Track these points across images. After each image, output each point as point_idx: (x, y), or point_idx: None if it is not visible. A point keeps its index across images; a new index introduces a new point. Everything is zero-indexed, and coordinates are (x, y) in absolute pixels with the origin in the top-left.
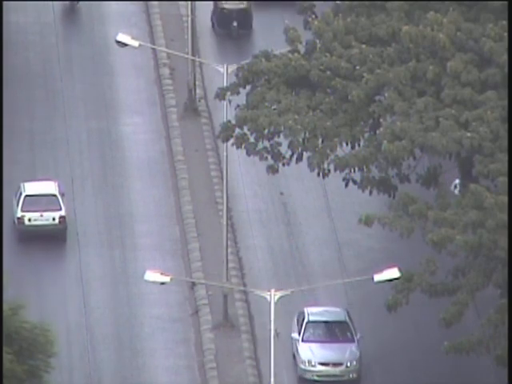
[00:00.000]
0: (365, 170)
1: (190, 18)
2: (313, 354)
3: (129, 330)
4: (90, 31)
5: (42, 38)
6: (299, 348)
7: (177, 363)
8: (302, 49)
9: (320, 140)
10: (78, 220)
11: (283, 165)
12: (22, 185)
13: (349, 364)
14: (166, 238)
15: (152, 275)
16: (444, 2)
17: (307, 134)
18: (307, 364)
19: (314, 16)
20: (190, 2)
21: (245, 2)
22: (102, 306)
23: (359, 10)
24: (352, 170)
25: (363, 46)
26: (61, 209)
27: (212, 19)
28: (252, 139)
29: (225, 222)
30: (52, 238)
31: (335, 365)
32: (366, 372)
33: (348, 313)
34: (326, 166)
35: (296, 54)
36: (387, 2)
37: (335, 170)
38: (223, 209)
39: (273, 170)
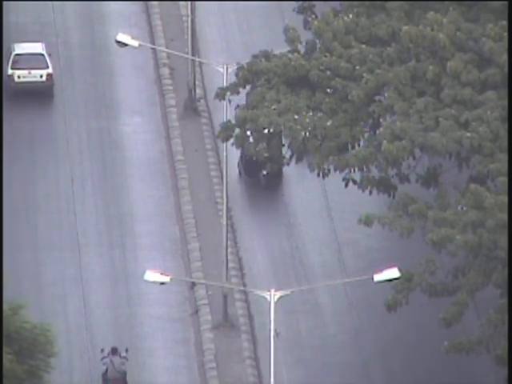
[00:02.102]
0: (365, 169)
1: (189, 18)
2: None
3: (129, 329)
4: (90, 31)
5: (42, 38)
6: None
7: (176, 363)
8: (301, 49)
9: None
10: (78, 220)
11: (283, 165)
12: (12, 45)
13: None
14: (166, 238)
15: (152, 275)
16: (444, 1)
17: (307, 134)
18: None
19: (313, 16)
20: (189, 2)
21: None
22: (102, 306)
23: (359, 9)
24: (352, 170)
25: (363, 46)
26: (48, 67)
27: (238, 166)
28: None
29: (225, 222)
30: (40, 94)
31: None
32: (366, 372)
33: None
34: (325, 166)
35: (296, 54)
36: (387, 2)
37: (335, 170)
38: (223, 209)
39: (273, 170)
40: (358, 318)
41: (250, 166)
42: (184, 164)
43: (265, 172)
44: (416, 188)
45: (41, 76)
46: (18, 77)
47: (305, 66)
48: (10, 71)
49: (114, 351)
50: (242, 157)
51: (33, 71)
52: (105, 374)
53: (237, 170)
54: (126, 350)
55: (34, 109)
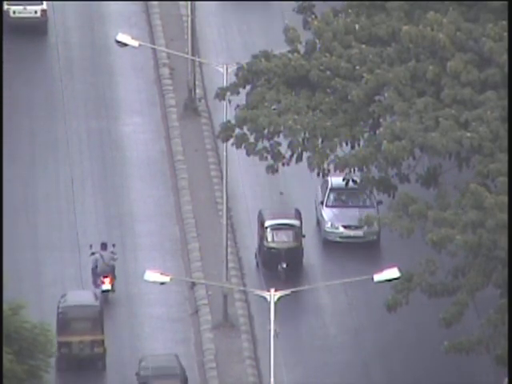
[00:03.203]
0: (365, 170)
1: (189, 18)
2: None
3: (129, 329)
4: (90, 31)
5: (42, 38)
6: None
7: None
8: (301, 49)
9: (320, 140)
10: (78, 220)
11: (283, 165)
12: None
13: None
14: (166, 238)
15: (152, 275)
16: (444, 1)
17: (307, 134)
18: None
19: (313, 16)
20: (189, 2)
21: (294, 239)
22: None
23: (359, 9)
24: (352, 170)
25: (363, 46)
26: (42, 3)
27: (256, 258)
28: (252, 139)
29: (225, 222)
30: (34, 30)
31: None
32: (366, 372)
33: None
34: (325, 165)
35: (296, 54)
36: (387, 2)
37: (335, 170)
38: (223, 209)
39: (272, 169)
40: (357, 318)
41: (268, 258)
42: (184, 164)
43: (284, 265)
44: (416, 188)
45: (35, 12)
46: (14, 12)
47: (305, 66)
48: (5, 7)
49: (104, 246)
50: (259, 248)
51: (28, 7)
52: (94, 268)
53: (254, 262)
54: (113, 246)
55: (34, 109)
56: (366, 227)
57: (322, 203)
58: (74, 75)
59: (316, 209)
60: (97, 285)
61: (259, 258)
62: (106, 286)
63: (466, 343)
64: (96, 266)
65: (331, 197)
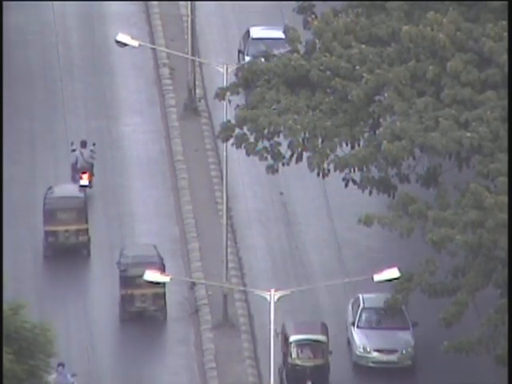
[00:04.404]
0: (365, 170)
1: (189, 18)
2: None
3: (129, 329)
4: (90, 31)
5: (42, 38)
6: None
7: (176, 363)
8: (301, 49)
9: (320, 140)
10: None
11: (283, 165)
12: None
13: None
14: (166, 238)
15: (152, 275)
16: (444, 1)
17: (307, 134)
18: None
19: (314, 16)
20: (189, 2)
21: (321, 356)
22: (101, 306)
23: (359, 9)
24: (352, 170)
25: (363, 46)
26: None
27: (280, 374)
28: (252, 139)
29: (225, 222)
30: None
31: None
32: (366, 371)
33: None
34: (325, 165)
35: (296, 54)
36: (387, 2)
37: (335, 170)
38: (223, 209)
39: (272, 169)
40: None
41: (292, 376)
42: (184, 164)
43: (309, 383)
44: (416, 188)
45: None
46: None
47: (305, 66)
48: None
49: (84, 144)
50: (283, 364)
51: None
52: (74, 164)
53: (278, 378)
54: (94, 144)
55: (34, 109)
56: (400, 352)
57: (352, 324)
58: (74, 75)
59: (346, 329)
60: (75, 180)
61: (284, 374)
62: (84, 181)
63: (465, 343)
64: (76, 163)
65: (363, 317)
